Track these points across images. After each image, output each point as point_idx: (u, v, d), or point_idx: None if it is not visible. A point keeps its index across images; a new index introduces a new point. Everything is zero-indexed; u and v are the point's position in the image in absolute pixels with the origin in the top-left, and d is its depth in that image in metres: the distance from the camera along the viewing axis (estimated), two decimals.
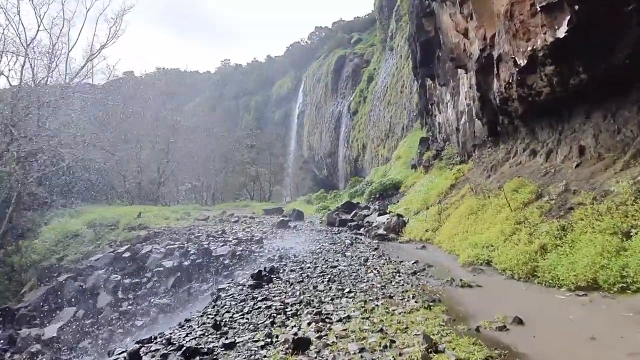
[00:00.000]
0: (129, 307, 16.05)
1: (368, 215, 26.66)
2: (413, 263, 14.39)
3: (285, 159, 79.48)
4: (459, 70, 27.31)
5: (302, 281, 12.40)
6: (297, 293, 11.02)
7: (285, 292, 11.26)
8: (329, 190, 54.69)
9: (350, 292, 10.73)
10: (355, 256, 16.26)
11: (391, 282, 11.75)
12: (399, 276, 12.47)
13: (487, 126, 24.09)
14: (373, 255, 16.40)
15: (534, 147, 20.10)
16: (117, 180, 43.63)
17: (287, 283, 12.28)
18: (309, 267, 14.21)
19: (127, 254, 19.47)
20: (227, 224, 26.89)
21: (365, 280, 12.01)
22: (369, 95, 70.87)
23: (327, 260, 15.39)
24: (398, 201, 31.31)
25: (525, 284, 11.03)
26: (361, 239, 20.99)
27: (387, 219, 22.97)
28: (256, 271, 12.86)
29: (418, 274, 12.89)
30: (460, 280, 11.71)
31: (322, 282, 12.08)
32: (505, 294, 10.42)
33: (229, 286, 12.85)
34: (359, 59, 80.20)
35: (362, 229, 23.75)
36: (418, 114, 45.04)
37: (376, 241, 20.27)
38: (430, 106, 36.73)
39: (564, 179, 15.30)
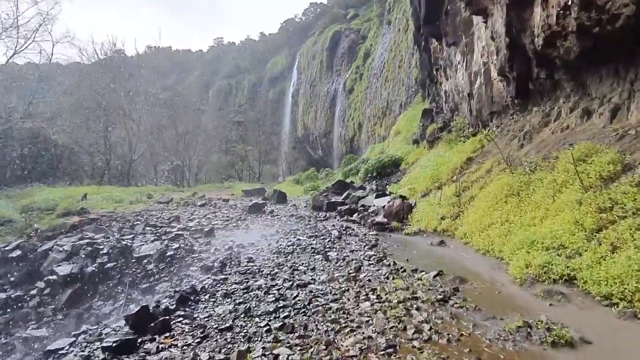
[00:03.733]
0: None
1: (363, 197, 20.57)
2: (435, 276, 8.42)
3: (278, 138, 73.32)
4: (474, 20, 21.61)
5: (229, 328, 6.46)
6: None
7: None
8: (322, 170, 48.66)
9: None
10: (343, 259, 10.35)
11: (405, 329, 5.86)
12: (418, 309, 6.56)
13: (515, 85, 18.30)
14: (369, 257, 10.46)
15: (586, 105, 14.45)
16: (85, 159, 37.70)
17: (197, 335, 6.28)
18: (259, 287, 8.23)
19: (16, 253, 13.29)
20: (189, 209, 20.92)
21: (353, 326, 6.06)
22: (366, 72, 65.30)
23: (295, 270, 9.46)
24: (399, 180, 25.34)
25: None
26: (354, 229, 15.01)
27: (388, 202, 16.96)
28: (141, 309, 6.75)
29: (450, 301, 6.95)
30: (541, 324, 5.76)
31: (269, 329, 6.15)
32: None
33: (67, 347, 6.86)
34: (355, 35, 73.71)
35: (355, 215, 17.75)
36: (419, 84, 39.05)
37: (374, 233, 14.29)
38: (435, 72, 30.68)
39: None
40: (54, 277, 10.98)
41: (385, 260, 10.13)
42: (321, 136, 74.86)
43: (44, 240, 15.35)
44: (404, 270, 9.15)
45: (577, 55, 13.14)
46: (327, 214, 19.33)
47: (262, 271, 9.31)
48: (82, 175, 37.87)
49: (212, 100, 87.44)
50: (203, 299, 7.74)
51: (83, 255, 11.76)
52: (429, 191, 18.03)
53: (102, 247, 12.17)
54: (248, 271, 9.40)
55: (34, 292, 11.21)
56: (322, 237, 13.42)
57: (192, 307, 7.39)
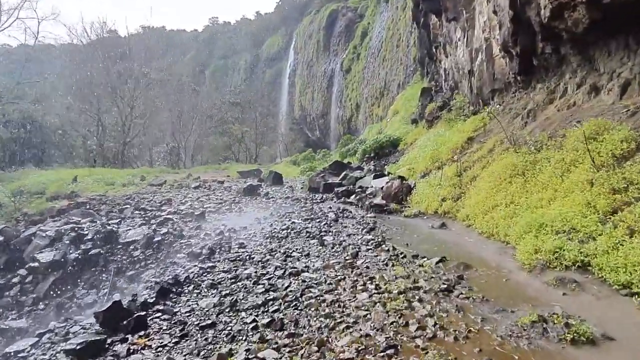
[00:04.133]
0: None
1: (361, 178, 19.90)
2: (438, 262, 7.83)
3: (275, 119, 72.16)
4: None
5: (211, 325, 5.88)
6: None
7: None
8: (319, 151, 47.85)
9: None
10: (339, 244, 9.76)
11: (407, 324, 5.26)
12: (420, 301, 5.98)
13: (518, 61, 17.59)
14: (367, 242, 9.87)
15: (594, 81, 13.80)
16: (78, 142, 36.88)
17: (175, 333, 5.72)
18: (248, 276, 7.63)
19: None
20: (182, 191, 20.22)
21: (349, 322, 5.47)
22: (363, 52, 64.03)
23: (288, 256, 8.86)
24: (397, 160, 24.67)
25: None
26: (351, 212, 14.39)
27: (387, 183, 16.32)
28: (113, 305, 6.10)
29: (455, 291, 6.36)
30: (557, 318, 5.18)
31: (256, 326, 5.56)
32: None
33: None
34: (352, 13, 72.14)
35: (353, 197, 17.11)
36: (418, 63, 38.15)
37: (372, 215, 13.67)
38: (434, 50, 29.79)
39: None
40: (36, 264, 10.36)
41: (384, 245, 9.53)
42: (318, 117, 73.88)
43: (30, 225, 14.75)
44: (404, 256, 8.56)
45: (585, 28, 12.45)
46: (324, 196, 18.71)
47: (253, 258, 8.70)
48: (76, 157, 37.15)
49: (208, 81, 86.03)
50: (186, 291, 7.14)
51: (67, 242, 11.10)
52: (428, 171, 17.39)
53: (86, 232, 11.48)
54: (238, 258, 8.79)
55: (15, 280, 10.58)
56: (318, 220, 12.80)
57: (174, 300, 6.79)
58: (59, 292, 9.67)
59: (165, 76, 40.16)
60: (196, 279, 7.58)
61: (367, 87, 59.12)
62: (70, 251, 10.62)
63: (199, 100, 47.74)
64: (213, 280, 7.46)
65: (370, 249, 9.27)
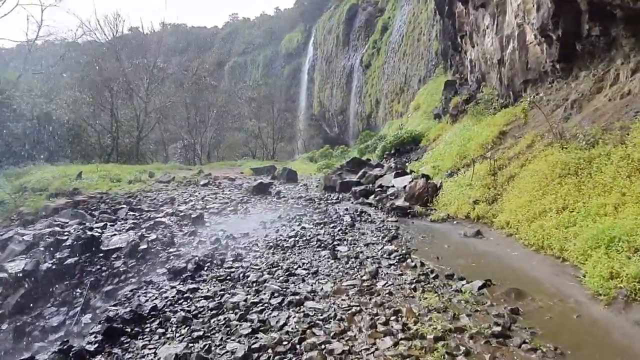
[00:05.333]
0: None
1: (381, 177, 18.02)
2: (481, 287, 5.98)
3: (293, 115, 70.38)
4: None
5: None
6: None
7: None
8: (337, 147, 45.98)
9: None
10: (355, 257, 7.99)
11: None
12: (467, 354, 4.16)
13: (558, 46, 15.55)
14: (389, 254, 8.10)
15: None
16: (94, 137, 35.74)
17: None
18: (234, 306, 5.88)
19: None
20: (190, 189, 18.61)
21: None
22: (383, 47, 61.70)
23: (292, 275, 7.14)
24: (419, 158, 22.77)
25: None
26: (370, 215, 12.61)
27: (410, 182, 14.45)
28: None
29: (514, 336, 4.55)
30: None
31: None
32: None
33: None
34: (372, 8, 69.74)
35: (372, 197, 15.30)
36: (441, 55, 35.96)
37: (393, 219, 11.87)
38: (459, 40, 27.66)
39: None
40: (5, 274, 8.79)
41: (409, 259, 7.74)
42: (337, 113, 71.90)
43: (21, 225, 13.31)
44: (436, 276, 6.76)
45: None
46: (340, 196, 16.91)
47: (247, 277, 6.96)
48: (92, 153, 36.02)
49: (227, 77, 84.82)
50: (148, 329, 5.33)
51: (42, 248, 9.54)
52: (456, 170, 15.49)
53: (65, 237, 9.89)
54: (229, 277, 7.07)
55: None
56: (331, 225, 11.02)
57: (126, 345, 5.06)
58: (26, 310, 8.11)
59: (182, 71, 38.73)
60: (167, 310, 5.84)
61: (387, 83, 56.94)
62: (46, 259, 9.05)
63: (217, 96, 46.33)
64: (188, 311, 5.73)
65: (393, 264, 7.49)
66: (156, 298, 6.37)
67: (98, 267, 8.63)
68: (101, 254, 9.02)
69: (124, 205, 13.82)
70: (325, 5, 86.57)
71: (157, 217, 11.99)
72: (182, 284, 6.81)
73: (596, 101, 12.98)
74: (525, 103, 14.93)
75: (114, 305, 6.43)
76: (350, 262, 7.70)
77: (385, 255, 8.06)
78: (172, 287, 6.71)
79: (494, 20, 20.49)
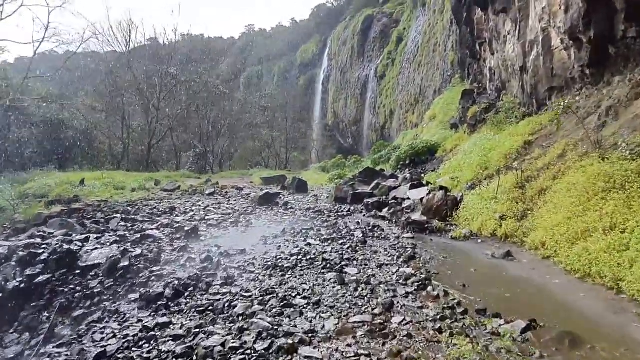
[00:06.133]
0: None
1: (395, 188, 16.70)
2: (525, 329, 4.65)
3: (306, 125, 69.38)
4: None
5: None
6: None
7: None
8: (350, 157, 44.70)
9: None
10: (366, 283, 6.70)
11: None
12: None
13: (589, 50, 14.25)
14: (406, 280, 6.79)
15: None
16: (106, 144, 35.07)
17: None
18: (206, 354, 4.57)
19: None
20: (194, 198, 17.44)
21: None
22: (398, 58, 60.77)
23: (288, 305, 5.89)
24: (435, 168, 21.44)
25: None
26: (383, 230, 11.32)
27: (427, 194, 13.12)
28: None
29: None
30: None
31: None
32: None
33: None
34: (387, 19, 68.87)
35: (385, 210, 13.99)
36: (458, 64, 34.66)
37: (410, 235, 10.56)
38: (478, 48, 26.41)
39: None
40: None
41: (430, 287, 6.44)
42: (351, 124, 70.86)
43: (12, 234, 12.27)
44: (465, 311, 5.47)
45: None
46: (352, 208, 15.62)
47: (234, 307, 5.71)
48: (103, 160, 35.32)
49: (242, 87, 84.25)
50: None
51: (14, 263, 8.40)
52: (477, 182, 14.14)
53: (41, 251, 8.71)
54: (211, 307, 5.84)
55: None
56: (340, 241, 9.74)
57: None
58: None
59: (195, 79, 37.88)
60: (119, 357, 4.62)
61: (402, 94, 55.89)
62: (15, 276, 7.90)
63: (230, 104, 45.50)
64: (147, 359, 4.53)
65: (411, 292, 6.21)
66: (113, 336, 5.16)
67: (72, 286, 7.45)
68: (78, 271, 7.86)
69: (118, 215, 12.70)
70: (340, 16, 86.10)
71: (149, 229, 10.82)
72: (153, 316, 5.60)
73: (635, 107, 11.61)
74: (552, 111, 13.60)
75: (57, 347, 5.21)
76: (360, 289, 6.43)
77: (401, 281, 6.78)
78: (139, 321, 5.51)
79: (516, 25, 19.27)
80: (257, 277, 7.07)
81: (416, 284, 6.55)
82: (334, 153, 64.34)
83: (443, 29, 45.36)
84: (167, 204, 15.96)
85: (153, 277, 7.33)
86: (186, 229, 10.27)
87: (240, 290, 6.38)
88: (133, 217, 12.44)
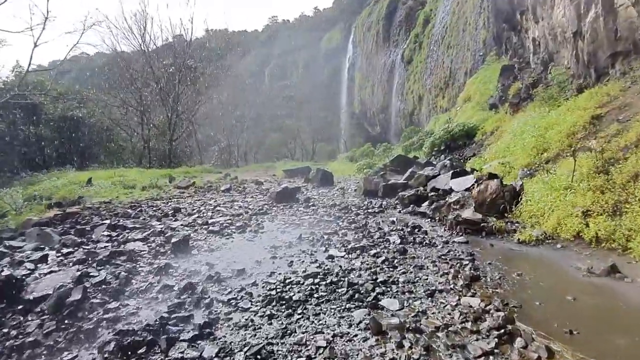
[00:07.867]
0: None
1: (433, 178, 14.04)
2: None
3: (333, 114, 66.75)
4: None
5: None
6: None
7: None
8: (379, 145, 41.99)
9: None
10: (414, 328, 4.26)
11: None
12: None
13: None
14: (475, 318, 4.29)
15: None
16: (127, 142, 33.56)
17: None
18: None
19: None
20: (207, 195, 15.28)
21: None
22: (425, 40, 57.33)
23: None
24: (476, 153, 18.74)
25: None
26: (426, 231, 8.84)
27: (476, 184, 10.48)
28: None
29: None
30: None
31: None
32: None
33: None
34: (413, 1, 65.21)
35: (425, 204, 11.46)
36: (493, 40, 31.45)
37: (461, 239, 8.05)
38: (519, 17, 23.34)
39: None
40: None
41: (519, 339, 3.94)
42: (379, 111, 67.81)
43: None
44: None
45: None
46: (384, 202, 13.14)
47: None
48: (125, 157, 33.86)
49: (267, 79, 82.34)
50: None
51: None
52: (536, 167, 11.46)
53: None
54: None
55: None
56: (372, 251, 7.31)
57: None
58: None
59: (220, 72, 35.99)
60: None
61: (431, 78, 52.66)
62: None
63: (257, 96, 43.55)
64: None
65: (491, 351, 3.72)
66: None
67: (5, 330, 5.33)
68: (19, 307, 5.73)
69: (107, 221, 10.58)
70: (364, 2, 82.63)
71: (134, 239, 8.65)
72: None
73: None
74: (586, 94, 10.79)
75: None
76: (406, 345, 4.00)
77: (469, 325, 4.31)
78: None
79: None
80: (251, 321, 4.65)
81: (494, 331, 4.10)
82: (362, 142, 61.74)
83: (473, 6, 42.17)
84: (174, 203, 13.85)
85: (104, 322, 5.06)
86: (174, 240, 7.94)
87: (219, 352, 4.06)
88: (123, 223, 10.29)
